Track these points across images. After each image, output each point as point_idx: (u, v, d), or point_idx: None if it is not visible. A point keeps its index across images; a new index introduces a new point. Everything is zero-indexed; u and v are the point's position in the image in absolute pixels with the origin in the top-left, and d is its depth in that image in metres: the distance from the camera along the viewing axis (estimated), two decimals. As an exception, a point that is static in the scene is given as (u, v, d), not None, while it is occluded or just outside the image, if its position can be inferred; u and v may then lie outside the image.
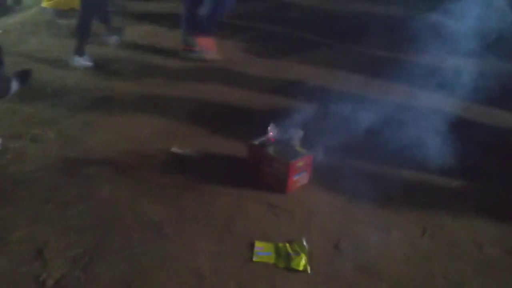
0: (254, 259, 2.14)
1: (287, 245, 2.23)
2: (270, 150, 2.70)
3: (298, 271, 2.09)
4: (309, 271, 2.10)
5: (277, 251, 2.19)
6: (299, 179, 2.69)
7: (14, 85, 2.94)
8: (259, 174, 2.73)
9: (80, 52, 4.04)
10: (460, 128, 3.35)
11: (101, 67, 4.09)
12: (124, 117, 3.29)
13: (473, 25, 3.77)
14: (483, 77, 3.89)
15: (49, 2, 5.27)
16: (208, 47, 4.39)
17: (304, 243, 2.24)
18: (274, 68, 4.39)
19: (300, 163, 2.65)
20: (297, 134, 2.79)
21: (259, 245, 2.22)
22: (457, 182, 2.87)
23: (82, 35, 4.03)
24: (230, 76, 4.14)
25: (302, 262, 2.12)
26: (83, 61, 4.05)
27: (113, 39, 4.59)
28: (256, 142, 2.77)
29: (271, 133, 2.81)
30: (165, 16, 5.61)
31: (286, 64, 4.51)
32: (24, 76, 3.10)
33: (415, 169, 2.94)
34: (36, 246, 2.12)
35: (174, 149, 2.94)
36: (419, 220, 2.51)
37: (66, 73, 3.92)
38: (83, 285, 1.94)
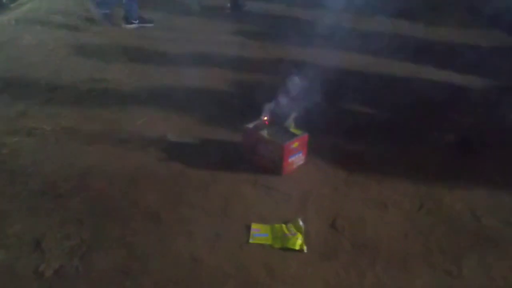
0: (251, 240, 2.15)
1: (283, 226, 2.23)
2: (265, 133, 2.70)
3: (294, 250, 2.10)
4: (305, 250, 2.10)
5: (274, 232, 2.19)
6: (295, 160, 2.68)
7: None
8: (255, 157, 2.72)
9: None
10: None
11: (94, 58, 4.08)
12: (119, 108, 3.29)
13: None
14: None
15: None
16: None
17: (300, 223, 2.24)
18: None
19: (295, 144, 2.64)
20: (291, 115, 2.78)
21: (255, 227, 2.23)
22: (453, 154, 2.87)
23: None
24: (226, 62, 4.12)
25: (298, 242, 2.13)
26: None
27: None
28: (251, 125, 2.76)
29: (266, 116, 2.81)
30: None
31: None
32: None
33: (409, 145, 2.94)
34: (34, 238, 2.14)
35: (170, 136, 2.94)
36: (416, 195, 2.51)
37: (61, 67, 3.92)
38: (82, 274, 1.96)
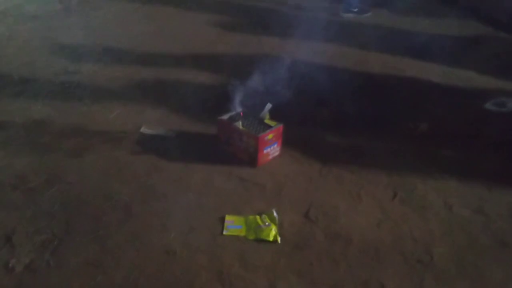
0: (225, 232, 2.15)
1: (257, 217, 2.23)
2: (239, 124, 2.68)
3: (268, 241, 2.10)
4: (279, 241, 2.11)
5: (247, 224, 2.19)
6: (270, 151, 2.68)
7: None
8: (229, 148, 2.71)
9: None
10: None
11: (68, 50, 4.02)
12: (92, 100, 3.24)
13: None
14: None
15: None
16: None
17: (275, 214, 2.24)
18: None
19: (269, 136, 2.64)
20: (266, 107, 2.77)
21: (229, 219, 2.23)
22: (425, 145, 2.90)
23: None
24: (200, 56, 4.08)
25: (272, 233, 2.13)
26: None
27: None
28: (225, 116, 2.75)
29: (240, 108, 2.80)
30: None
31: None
32: None
33: (383, 135, 2.97)
34: (4, 233, 2.10)
35: (143, 129, 2.91)
36: (390, 184, 2.53)
37: (34, 58, 3.85)
38: (53, 269, 1.93)
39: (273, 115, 2.77)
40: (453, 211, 2.37)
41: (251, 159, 2.64)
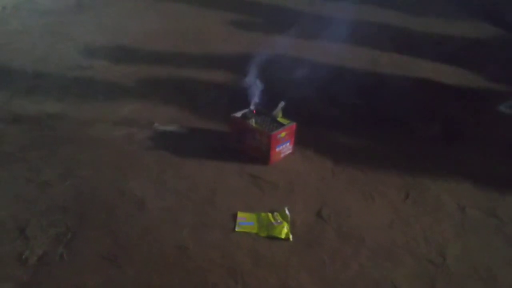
0: (237, 229, 2.15)
1: (269, 214, 2.23)
2: (252, 122, 2.69)
3: (280, 239, 2.10)
4: (291, 239, 2.11)
5: (259, 221, 2.20)
6: (282, 149, 2.68)
7: None
8: (242, 146, 2.72)
9: None
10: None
11: (81, 45, 4.04)
12: (105, 95, 3.26)
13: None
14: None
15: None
16: None
17: (287, 212, 2.24)
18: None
19: (282, 134, 2.64)
20: (279, 105, 2.78)
21: (241, 216, 2.23)
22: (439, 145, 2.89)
23: None
24: (210, 55, 4.09)
25: (284, 231, 2.13)
26: None
27: None
28: (238, 114, 2.75)
29: (253, 105, 2.80)
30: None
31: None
32: None
33: (395, 136, 2.96)
34: (18, 225, 2.12)
35: (156, 125, 2.92)
36: (402, 185, 2.53)
37: (48, 54, 3.87)
38: (66, 261, 1.95)
39: (286, 113, 2.78)
40: (466, 213, 2.36)
41: (263, 157, 2.64)
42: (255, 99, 2.81)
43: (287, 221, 2.19)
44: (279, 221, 2.19)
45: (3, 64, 3.64)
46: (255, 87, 2.90)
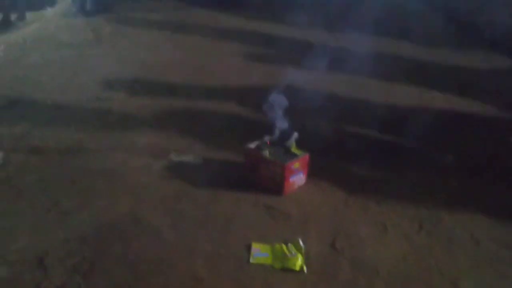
0: (251, 260, 2.17)
1: (284, 246, 2.25)
2: (266, 153, 2.73)
3: (294, 271, 2.12)
4: (305, 271, 2.12)
5: (274, 252, 2.22)
6: (296, 180, 2.72)
7: None
8: (256, 176, 2.76)
9: None
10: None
11: (100, 78, 4.15)
12: (123, 127, 3.34)
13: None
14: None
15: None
16: None
17: (301, 243, 2.26)
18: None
19: (296, 164, 2.68)
20: (292, 136, 2.82)
21: (256, 247, 2.25)
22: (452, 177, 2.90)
23: None
24: (225, 86, 4.17)
25: (298, 263, 2.15)
26: None
27: None
28: (252, 145, 2.80)
29: (267, 137, 2.85)
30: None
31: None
32: None
33: (409, 167, 2.98)
34: (37, 255, 2.16)
35: (172, 155, 2.98)
36: (416, 216, 2.54)
37: (67, 85, 3.98)
38: (84, 292, 1.98)
39: (299, 144, 2.82)
40: (480, 245, 2.35)
41: (277, 187, 2.68)
42: (270, 130, 2.86)
43: (301, 253, 2.21)
44: (293, 252, 2.20)
45: (24, 96, 3.75)
46: (274, 119, 2.95)
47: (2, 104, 3.59)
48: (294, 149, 2.79)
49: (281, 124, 2.88)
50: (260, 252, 2.22)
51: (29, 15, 6.32)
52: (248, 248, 2.24)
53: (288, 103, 2.93)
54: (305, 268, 2.13)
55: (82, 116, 3.49)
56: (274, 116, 2.91)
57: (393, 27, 5.29)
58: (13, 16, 6.19)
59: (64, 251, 2.19)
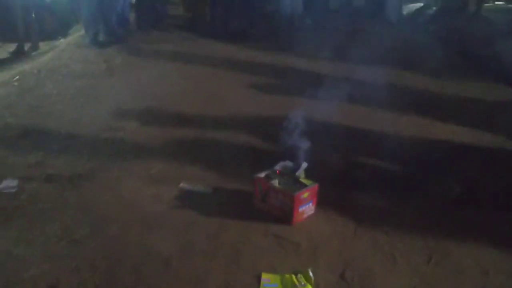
0: (261, 291, 2.19)
1: (293, 276, 2.26)
2: (276, 182, 2.77)
3: (304, 301, 2.13)
4: (315, 302, 2.13)
5: (284, 283, 2.23)
6: (305, 210, 2.74)
7: None
8: (265, 206, 2.79)
9: None
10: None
11: (112, 108, 4.23)
12: (134, 156, 3.39)
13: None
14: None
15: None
16: None
17: (310, 274, 2.27)
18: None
19: (305, 194, 2.71)
20: (301, 166, 2.86)
21: (265, 277, 2.26)
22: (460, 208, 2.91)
23: None
24: (233, 116, 4.24)
25: (308, 293, 2.16)
26: None
27: None
28: (262, 175, 2.84)
29: (277, 166, 2.89)
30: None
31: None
32: None
33: (417, 197, 3.00)
34: (48, 284, 2.19)
35: (182, 185, 3.02)
36: (424, 247, 2.54)
37: (80, 115, 4.06)
38: (94, 321, 2.00)
39: (308, 174, 2.86)
40: (489, 276, 2.35)
41: (286, 217, 2.70)
42: (281, 166, 2.91)
43: (310, 284, 2.22)
44: (303, 283, 2.21)
45: (37, 126, 3.83)
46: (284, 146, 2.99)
47: (17, 133, 3.67)
48: (303, 179, 2.82)
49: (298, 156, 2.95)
50: (270, 283, 2.23)
51: (42, 45, 6.51)
52: (258, 278, 2.26)
53: (295, 133, 3.00)
54: (314, 298, 2.14)
55: (95, 145, 3.55)
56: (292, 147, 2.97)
57: (401, 58, 5.36)
58: (26, 46, 6.37)
59: (75, 280, 2.22)
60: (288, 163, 2.94)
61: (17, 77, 4.93)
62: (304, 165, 2.87)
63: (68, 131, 3.76)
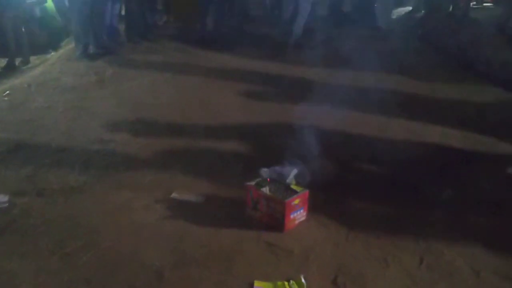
0: (254, 299, 2.19)
1: (286, 283, 2.27)
2: (266, 189, 2.78)
3: (297, 308, 2.14)
4: (307, 308, 2.14)
5: (276, 290, 2.24)
6: (297, 216, 2.75)
7: None
8: (257, 214, 2.79)
9: None
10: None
11: (103, 119, 4.23)
12: (126, 167, 3.40)
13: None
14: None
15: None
16: None
17: (303, 280, 2.28)
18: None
19: (296, 201, 2.72)
20: (292, 172, 2.88)
21: (258, 285, 2.27)
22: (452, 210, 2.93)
23: None
24: (225, 124, 4.26)
25: (300, 300, 2.17)
26: None
27: None
28: (252, 182, 2.85)
29: (262, 173, 2.91)
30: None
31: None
32: None
33: (408, 201, 3.02)
34: (41, 298, 2.19)
35: (174, 194, 3.03)
36: (416, 250, 2.56)
37: (71, 128, 4.06)
38: (88, 334, 2.00)
39: (299, 180, 2.87)
40: (481, 278, 2.37)
41: (278, 224, 2.71)
42: (264, 174, 2.93)
43: (303, 290, 2.23)
44: (295, 289, 2.22)
45: (28, 139, 3.82)
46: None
47: (8, 148, 3.66)
48: (294, 186, 2.84)
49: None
50: (262, 290, 2.24)
51: (33, 59, 6.50)
52: (251, 286, 2.26)
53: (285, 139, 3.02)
54: (307, 305, 2.15)
55: (86, 157, 3.55)
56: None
57: (390, 62, 5.38)
58: (17, 61, 6.36)
59: (68, 293, 2.22)
60: (277, 169, 2.95)
61: (8, 91, 4.93)
62: (294, 171, 2.88)
63: (59, 144, 3.75)
